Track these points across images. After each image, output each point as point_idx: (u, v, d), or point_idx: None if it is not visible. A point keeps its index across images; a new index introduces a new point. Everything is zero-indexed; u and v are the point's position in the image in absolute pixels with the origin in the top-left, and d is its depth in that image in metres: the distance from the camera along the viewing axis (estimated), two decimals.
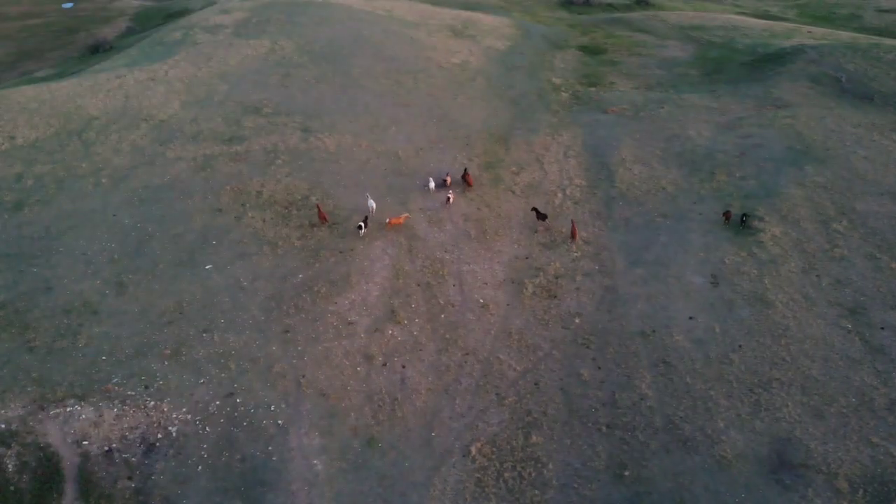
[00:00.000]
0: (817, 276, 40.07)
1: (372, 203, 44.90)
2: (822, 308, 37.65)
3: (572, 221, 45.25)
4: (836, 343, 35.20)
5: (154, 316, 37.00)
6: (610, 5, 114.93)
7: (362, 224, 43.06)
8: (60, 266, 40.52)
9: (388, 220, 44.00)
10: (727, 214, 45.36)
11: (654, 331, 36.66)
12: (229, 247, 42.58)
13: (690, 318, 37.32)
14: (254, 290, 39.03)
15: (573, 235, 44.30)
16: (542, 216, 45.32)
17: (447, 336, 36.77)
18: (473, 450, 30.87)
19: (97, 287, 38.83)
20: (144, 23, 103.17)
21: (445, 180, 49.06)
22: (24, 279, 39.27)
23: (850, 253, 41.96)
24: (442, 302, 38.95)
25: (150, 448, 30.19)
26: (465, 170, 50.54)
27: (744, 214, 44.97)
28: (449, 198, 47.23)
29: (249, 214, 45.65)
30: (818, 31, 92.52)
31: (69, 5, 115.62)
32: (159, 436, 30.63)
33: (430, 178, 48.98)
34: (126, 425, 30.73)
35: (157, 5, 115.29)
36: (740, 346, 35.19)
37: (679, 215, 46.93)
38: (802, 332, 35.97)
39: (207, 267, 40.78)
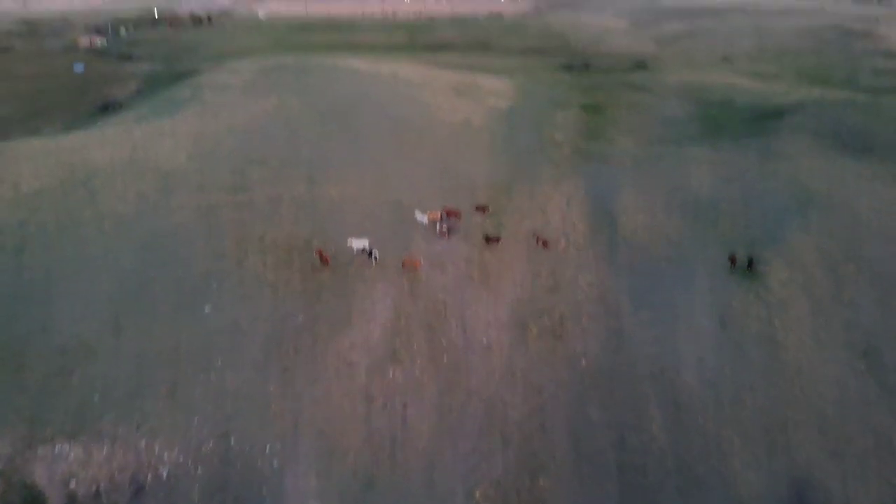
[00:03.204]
0: (827, 318, 39.36)
1: (359, 243, 45.20)
2: (833, 350, 36.77)
3: (535, 235, 48.91)
4: (851, 384, 34.18)
5: (151, 356, 36.24)
6: (609, 68, 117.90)
7: (373, 255, 44.06)
8: (58, 308, 40.03)
9: (403, 260, 44.39)
10: (733, 259, 45.00)
11: (662, 372, 35.72)
12: (230, 290, 42.14)
13: (700, 359, 36.42)
14: (253, 331, 38.37)
15: (544, 244, 47.96)
16: (492, 239, 48.00)
17: (450, 377, 35.84)
18: (477, 494, 29.57)
19: (94, 328, 38.22)
20: (154, 84, 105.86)
21: (438, 216, 50.40)
22: (22, 320, 38.74)
23: (859, 297, 41.36)
24: (444, 343, 38.16)
25: (139, 489, 28.99)
26: (486, 207, 53.55)
27: (750, 258, 44.57)
28: (445, 230, 48.84)
29: (251, 259, 45.39)
30: (816, 90, 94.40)
31: (80, 67, 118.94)
32: (149, 477, 29.46)
33: (417, 211, 50.58)
34: (115, 466, 29.61)
35: (167, 68, 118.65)
36: (752, 387, 34.18)
37: (684, 260, 46.55)
38: (815, 373, 35.00)
39: (207, 309, 40.23)
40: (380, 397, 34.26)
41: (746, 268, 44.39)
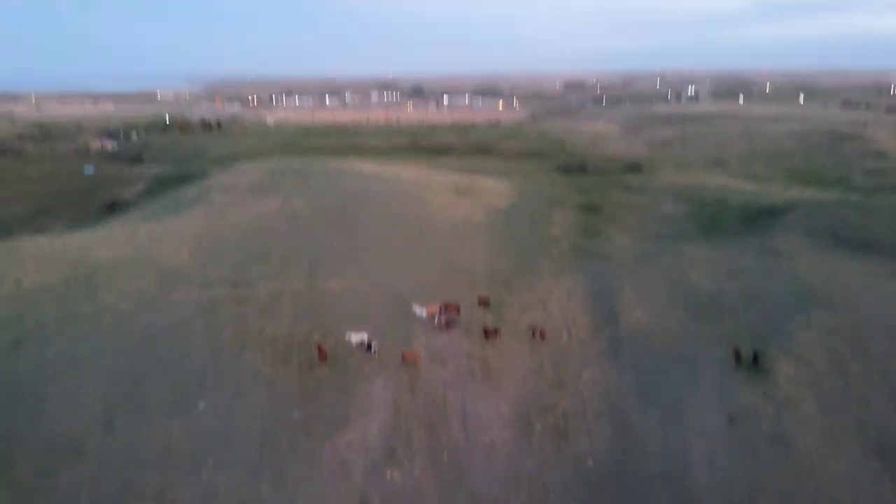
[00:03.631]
0: (838, 415, 38.27)
1: (358, 337, 45.16)
2: (846, 448, 35.51)
3: (532, 327, 48.75)
4: (866, 484, 32.77)
5: (141, 456, 34.96)
6: (604, 170, 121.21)
7: (373, 348, 44.02)
8: (50, 404, 39.08)
9: (403, 354, 43.98)
10: (737, 354, 44.41)
11: (673, 472, 34.31)
12: (225, 386, 41.28)
13: (710, 458, 35.08)
14: (247, 429, 37.24)
15: (542, 335, 47.86)
16: (490, 332, 47.61)
17: (451, 479, 34.38)
18: None
19: (85, 426, 37.14)
20: (162, 185, 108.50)
21: (437, 309, 50.47)
22: (12, 417, 37.73)
23: (869, 393, 40.43)
24: (445, 441, 36.90)
25: None
26: (487, 300, 53.58)
27: (755, 354, 44.00)
28: (443, 322, 49.12)
29: (249, 354, 44.78)
30: (808, 191, 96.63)
31: (90, 169, 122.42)
32: None
33: (415, 305, 50.85)
34: None
35: (175, 170, 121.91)
36: (766, 487, 32.74)
37: (689, 356, 45.86)
38: (829, 472, 33.63)
39: (201, 406, 39.25)
40: (377, 500, 32.75)
41: (752, 364, 43.70)
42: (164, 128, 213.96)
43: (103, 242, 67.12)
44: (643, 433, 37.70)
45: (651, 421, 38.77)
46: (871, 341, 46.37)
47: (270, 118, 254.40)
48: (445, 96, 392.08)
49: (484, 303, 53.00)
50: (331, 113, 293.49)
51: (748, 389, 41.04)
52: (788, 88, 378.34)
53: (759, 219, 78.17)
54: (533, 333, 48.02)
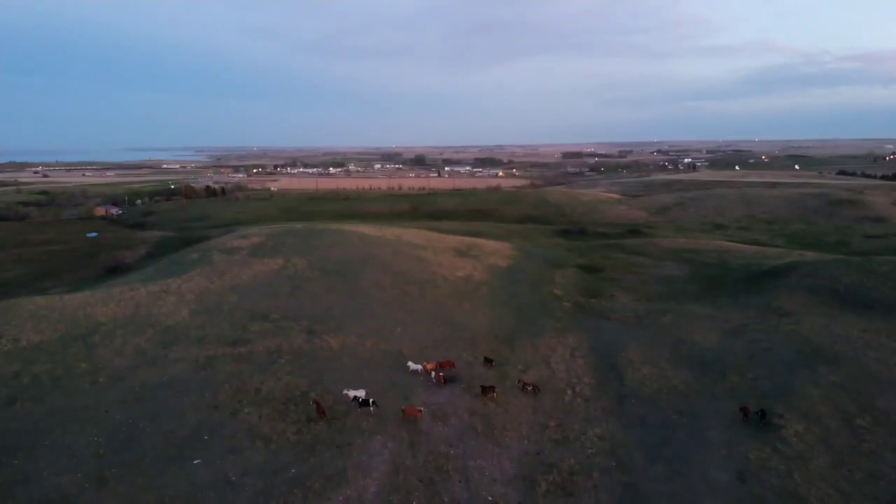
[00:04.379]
0: (849, 470, 37.18)
1: (354, 393, 44.52)
2: (859, 502, 34.30)
3: (520, 381, 48.54)
4: None
5: None
6: (604, 234, 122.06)
7: (371, 402, 43.17)
8: (43, 459, 38.06)
9: (404, 409, 43.18)
10: (745, 411, 43.50)
11: None
12: (221, 442, 40.27)
13: None
14: (242, 485, 36.06)
15: (534, 389, 47.41)
16: (487, 389, 46.91)
17: None
18: None
19: (77, 481, 36.02)
20: (165, 248, 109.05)
21: (434, 366, 50.18)
22: (4, 471, 36.65)
23: (879, 447, 39.40)
24: (446, 500, 35.62)
25: None
26: (491, 359, 52.86)
27: (762, 410, 43.11)
28: (442, 377, 48.73)
29: (245, 410, 43.91)
30: (808, 254, 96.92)
31: (94, 234, 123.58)
32: None
33: (410, 363, 50.66)
34: None
35: (178, 234, 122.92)
36: None
37: (695, 413, 44.94)
38: None
39: (196, 462, 38.18)
40: None
41: (760, 420, 42.75)
42: (168, 195, 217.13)
43: (103, 302, 66.89)
44: (650, 490, 36.48)
45: (659, 478, 37.58)
46: (877, 397, 45.57)
47: (274, 186, 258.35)
48: (447, 166, 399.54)
49: (488, 362, 52.38)
50: (334, 181, 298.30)
51: (757, 446, 39.99)
52: (783, 158, 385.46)
53: (760, 279, 78.09)
54: (523, 388, 47.30)
